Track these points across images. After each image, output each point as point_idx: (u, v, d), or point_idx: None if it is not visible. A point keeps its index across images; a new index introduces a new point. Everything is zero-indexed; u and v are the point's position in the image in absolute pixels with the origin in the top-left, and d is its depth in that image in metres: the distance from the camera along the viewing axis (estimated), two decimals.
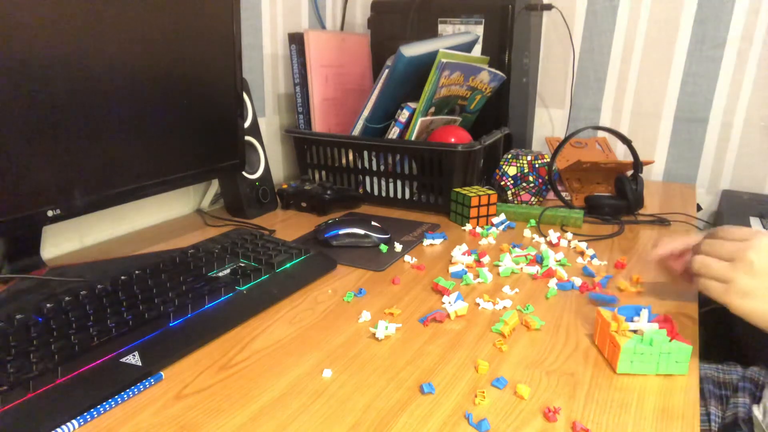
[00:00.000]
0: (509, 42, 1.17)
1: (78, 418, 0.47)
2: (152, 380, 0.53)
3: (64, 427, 0.45)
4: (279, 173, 1.29)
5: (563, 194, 1.11)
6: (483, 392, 0.51)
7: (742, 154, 1.35)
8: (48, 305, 0.60)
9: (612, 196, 1.06)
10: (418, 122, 1.05)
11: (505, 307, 0.69)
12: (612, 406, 0.50)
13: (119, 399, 0.50)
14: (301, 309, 0.68)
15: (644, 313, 0.58)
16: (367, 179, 1.13)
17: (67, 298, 0.61)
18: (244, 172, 1.02)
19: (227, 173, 0.99)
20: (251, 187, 1.04)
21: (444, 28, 1.22)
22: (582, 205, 1.07)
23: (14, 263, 0.74)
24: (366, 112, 1.11)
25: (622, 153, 1.43)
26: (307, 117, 1.17)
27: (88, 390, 0.49)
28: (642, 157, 1.10)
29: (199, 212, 1.08)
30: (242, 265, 0.75)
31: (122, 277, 0.68)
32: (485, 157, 1.13)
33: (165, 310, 0.61)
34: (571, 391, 0.52)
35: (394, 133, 1.09)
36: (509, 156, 1.11)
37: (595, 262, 0.84)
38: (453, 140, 1.05)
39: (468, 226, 0.98)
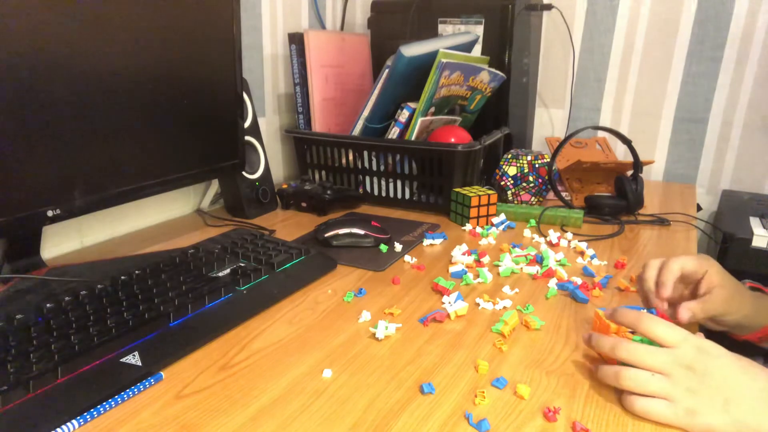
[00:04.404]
0: (509, 42, 1.17)
1: (78, 418, 0.47)
2: (152, 380, 0.52)
3: (64, 427, 0.45)
4: (279, 173, 1.29)
5: (563, 194, 1.11)
6: (483, 392, 0.51)
7: (742, 154, 1.35)
8: (48, 305, 0.60)
9: (612, 196, 1.06)
10: (418, 122, 1.05)
11: (505, 307, 0.69)
12: (612, 406, 0.50)
13: (119, 399, 0.49)
14: (301, 309, 0.68)
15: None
16: (367, 179, 1.13)
17: (67, 298, 0.61)
18: (244, 172, 1.02)
19: (227, 173, 0.99)
20: (251, 187, 1.04)
21: (444, 28, 1.22)
22: (582, 205, 1.07)
23: (14, 263, 0.74)
24: (366, 112, 1.11)
25: (622, 153, 1.43)
26: (307, 117, 1.17)
27: (88, 390, 0.49)
28: (642, 157, 1.10)
29: (199, 212, 1.08)
30: (242, 265, 0.75)
31: (122, 277, 0.68)
32: (485, 157, 1.13)
33: (165, 310, 0.61)
34: (571, 391, 0.52)
35: (394, 133, 1.09)
36: (509, 156, 1.11)
37: (595, 262, 0.84)
38: (453, 140, 1.05)
39: (468, 226, 0.98)
